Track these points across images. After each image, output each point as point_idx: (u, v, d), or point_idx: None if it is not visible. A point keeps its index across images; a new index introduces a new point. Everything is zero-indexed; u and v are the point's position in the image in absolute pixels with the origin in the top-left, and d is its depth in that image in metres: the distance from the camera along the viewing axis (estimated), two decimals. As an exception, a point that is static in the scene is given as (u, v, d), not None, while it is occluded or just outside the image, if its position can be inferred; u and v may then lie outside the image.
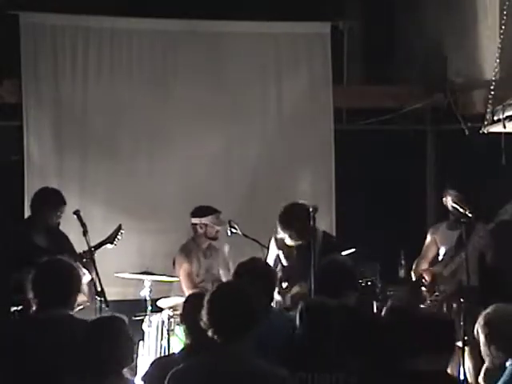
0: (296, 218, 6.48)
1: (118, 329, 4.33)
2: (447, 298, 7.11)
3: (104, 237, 7.11)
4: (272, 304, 5.49)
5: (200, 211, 7.57)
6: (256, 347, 3.91)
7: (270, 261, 6.80)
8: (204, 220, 7.54)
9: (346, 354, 4.34)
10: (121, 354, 4.28)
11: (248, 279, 4.90)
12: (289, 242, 6.72)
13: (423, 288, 7.34)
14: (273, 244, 6.89)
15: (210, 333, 3.84)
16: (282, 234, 6.68)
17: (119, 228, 7.07)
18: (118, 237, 7.03)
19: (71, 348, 4.36)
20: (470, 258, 6.81)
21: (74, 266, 4.87)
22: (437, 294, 7.20)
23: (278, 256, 6.83)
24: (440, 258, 7.42)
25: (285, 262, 6.74)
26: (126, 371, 4.37)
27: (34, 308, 4.75)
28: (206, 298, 3.92)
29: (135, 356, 4.45)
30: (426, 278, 7.35)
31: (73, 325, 4.61)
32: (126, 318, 4.41)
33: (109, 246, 6.96)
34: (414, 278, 7.45)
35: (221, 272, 7.78)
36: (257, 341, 3.92)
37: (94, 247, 6.69)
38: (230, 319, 3.81)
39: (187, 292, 7.32)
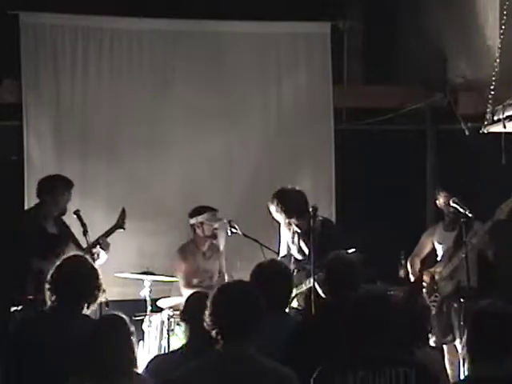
0: (292, 194, 6.59)
1: (117, 330, 4.33)
2: (447, 298, 7.13)
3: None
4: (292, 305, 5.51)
5: (195, 211, 7.63)
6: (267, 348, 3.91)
7: (283, 248, 6.84)
8: (200, 218, 7.58)
9: (404, 347, 4.27)
10: (124, 354, 4.27)
11: (266, 280, 4.92)
12: (284, 222, 6.76)
13: (423, 289, 7.36)
14: (283, 228, 6.92)
15: (213, 333, 3.82)
16: (278, 216, 6.73)
17: (123, 211, 7.17)
18: (125, 220, 7.16)
19: (80, 349, 4.36)
20: (469, 257, 6.85)
21: (92, 265, 4.87)
22: (436, 294, 7.21)
23: (288, 243, 6.86)
24: (438, 258, 7.44)
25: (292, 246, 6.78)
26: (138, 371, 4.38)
27: (49, 305, 4.73)
28: (209, 299, 3.91)
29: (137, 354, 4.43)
30: (425, 278, 7.37)
31: (87, 325, 4.61)
32: (126, 317, 4.40)
33: (120, 230, 7.11)
34: (411, 277, 7.46)
35: (223, 272, 7.81)
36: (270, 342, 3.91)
37: (104, 235, 6.90)
38: (233, 320, 3.80)
39: (184, 291, 7.35)
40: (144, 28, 8.61)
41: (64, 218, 7.17)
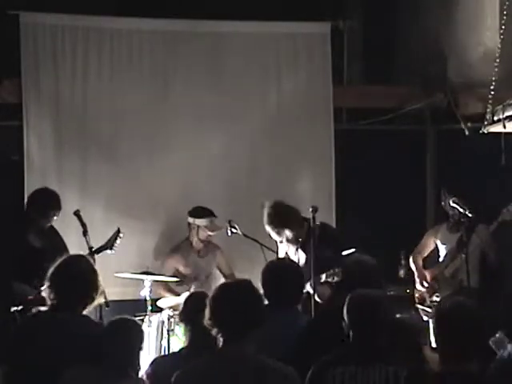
0: (290, 215, 6.57)
1: (132, 332, 4.37)
2: (447, 298, 7.12)
3: (104, 237, 7.14)
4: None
5: (196, 212, 7.65)
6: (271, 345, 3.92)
7: (281, 254, 6.84)
8: (198, 221, 7.62)
9: (396, 346, 4.30)
10: (133, 356, 4.31)
11: (278, 277, 4.95)
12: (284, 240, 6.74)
13: (424, 289, 7.36)
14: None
15: (213, 332, 3.83)
16: (277, 237, 6.71)
17: (118, 232, 7.09)
18: (117, 241, 7.06)
19: (84, 350, 4.38)
20: (471, 258, 6.85)
21: (93, 266, 4.87)
22: (437, 294, 7.21)
23: (286, 253, 6.85)
24: (441, 259, 7.44)
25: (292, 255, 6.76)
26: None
27: (49, 305, 4.73)
28: (210, 297, 3.92)
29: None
30: (427, 278, 7.37)
31: (89, 327, 4.62)
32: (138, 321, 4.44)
33: (108, 251, 7.01)
34: (416, 275, 7.45)
35: (223, 271, 7.82)
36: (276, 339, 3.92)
37: (93, 252, 6.73)
38: (233, 318, 3.81)
39: (161, 293, 7.42)
40: (144, 28, 8.60)
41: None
